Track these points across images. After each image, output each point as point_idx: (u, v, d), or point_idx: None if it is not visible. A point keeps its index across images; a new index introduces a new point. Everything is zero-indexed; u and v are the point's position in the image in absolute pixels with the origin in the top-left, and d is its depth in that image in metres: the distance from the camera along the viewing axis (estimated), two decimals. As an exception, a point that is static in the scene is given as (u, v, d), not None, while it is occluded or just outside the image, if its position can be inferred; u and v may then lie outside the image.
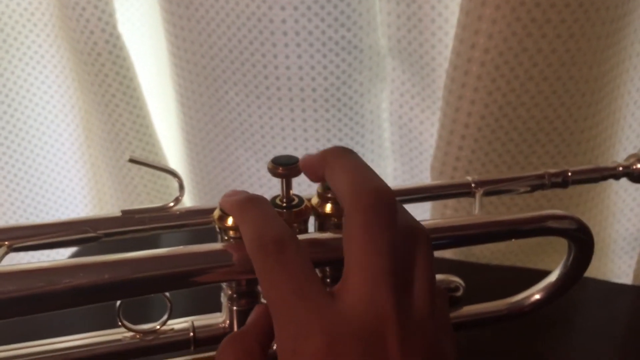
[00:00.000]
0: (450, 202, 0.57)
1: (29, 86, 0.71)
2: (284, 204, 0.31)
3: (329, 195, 0.32)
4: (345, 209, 0.25)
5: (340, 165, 0.27)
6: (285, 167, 0.30)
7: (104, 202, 0.77)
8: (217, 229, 0.32)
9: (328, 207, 0.31)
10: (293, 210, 0.31)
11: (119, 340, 0.33)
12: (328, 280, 0.33)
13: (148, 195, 0.72)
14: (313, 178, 0.29)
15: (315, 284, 0.24)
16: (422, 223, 0.33)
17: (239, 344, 0.26)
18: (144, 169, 0.69)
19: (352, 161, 0.27)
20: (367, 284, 0.23)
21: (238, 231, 0.31)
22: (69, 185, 0.77)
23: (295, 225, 0.31)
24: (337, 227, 0.32)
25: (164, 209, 0.34)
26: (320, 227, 0.32)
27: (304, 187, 0.36)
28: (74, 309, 0.28)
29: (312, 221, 0.33)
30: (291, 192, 0.31)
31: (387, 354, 0.22)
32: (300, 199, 0.32)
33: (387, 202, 0.25)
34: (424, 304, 0.24)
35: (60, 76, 0.72)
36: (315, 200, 0.32)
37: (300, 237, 0.30)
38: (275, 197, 0.32)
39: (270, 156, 0.65)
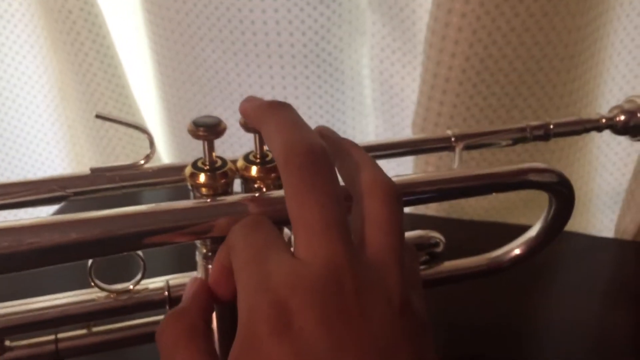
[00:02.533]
0: (432, 158, 0.56)
1: (0, 46, 0.69)
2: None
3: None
4: (280, 169, 0.25)
5: (274, 123, 0.26)
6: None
7: (82, 164, 0.76)
8: (190, 187, 0.31)
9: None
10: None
11: (93, 300, 0.33)
12: None
13: (127, 156, 0.71)
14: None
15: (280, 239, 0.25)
16: (400, 178, 0.32)
17: (181, 322, 0.25)
18: (122, 128, 0.68)
19: (286, 118, 0.26)
20: (314, 239, 0.23)
21: (210, 188, 0.30)
22: (45, 148, 0.76)
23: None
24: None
25: (134, 166, 0.33)
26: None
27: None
28: (49, 270, 0.27)
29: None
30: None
31: (345, 303, 0.22)
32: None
33: (320, 158, 0.25)
34: (383, 253, 0.24)
35: (32, 35, 0.70)
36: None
37: (262, 195, 0.29)
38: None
39: (250, 115, 0.64)
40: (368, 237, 0.25)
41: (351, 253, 0.23)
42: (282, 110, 0.27)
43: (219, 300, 0.27)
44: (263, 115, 0.27)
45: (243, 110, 0.29)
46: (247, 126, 0.30)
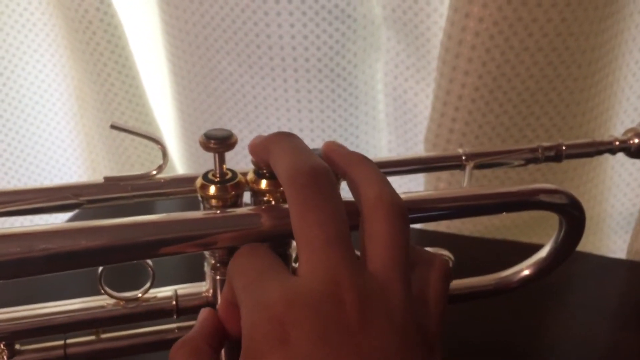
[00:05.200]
0: (444, 174, 0.56)
1: (22, 54, 0.71)
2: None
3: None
4: (285, 191, 0.26)
5: (279, 150, 0.27)
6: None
7: (98, 171, 0.77)
8: (200, 198, 0.31)
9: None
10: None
11: (102, 307, 0.33)
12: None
13: (142, 164, 0.72)
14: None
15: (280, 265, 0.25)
16: (408, 195, 0.33)
17: (189, 347, 0.26)
18: (137, 137, 0.69)
19: (289, 144, 0.28)
20: (315, 255, 0.24)
21: (220, 200, 0.31)
22: (63, 155, 0.77)
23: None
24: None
25: (147, 176, 0.34)
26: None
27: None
28: (59, 276, 0.28)
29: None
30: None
31: (345, 317, 0.22)
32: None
33: (323, 178, 0.25)
34: (385, 269, 0.24)
35: (52, 44, 0.71)
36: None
37: (270, 208, 0.30)
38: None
39: (264, 127, 0.64)
40: (371, 253, 0.25)
41: (352, 268, 0.24)
42: (285, 138, 0.28)
43: (230, 335, 0.28)
44: (269, 146, 0.28)
45: (251, 148, 0.30)
46: (257, 162, 0.30)
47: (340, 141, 0.62)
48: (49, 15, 0.69)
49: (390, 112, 0.64)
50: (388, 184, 0.27)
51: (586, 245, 0.59)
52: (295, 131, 0.62)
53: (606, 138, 0.39)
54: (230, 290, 0.27)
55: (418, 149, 0.63)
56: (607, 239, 0.65)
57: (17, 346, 0.33)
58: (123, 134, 0.69)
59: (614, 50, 0.52)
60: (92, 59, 0.65)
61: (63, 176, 0.78)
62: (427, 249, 0.40)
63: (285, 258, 0.32)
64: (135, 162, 0.71)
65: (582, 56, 0.49)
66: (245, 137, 0.65)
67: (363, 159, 0.28)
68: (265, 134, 0.30)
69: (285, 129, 0.62)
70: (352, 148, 0.30)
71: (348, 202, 0.28)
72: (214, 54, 0.61)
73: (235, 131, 0.65)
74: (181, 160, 0.74)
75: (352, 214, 0.26)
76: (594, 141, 0.39)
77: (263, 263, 0.26)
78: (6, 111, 0.73)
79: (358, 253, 0.26)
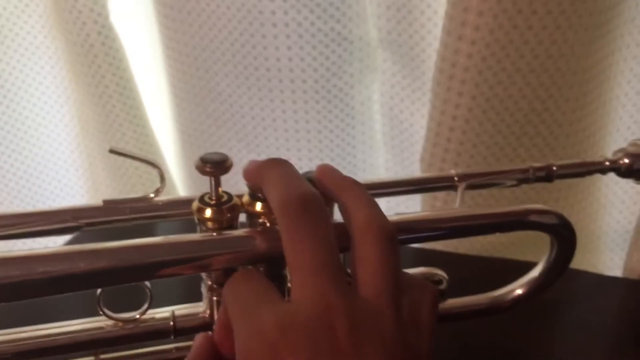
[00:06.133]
0: (440, 194, 0.57)
1: (25, 77, 0.72)
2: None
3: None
4: (277, 219, 0.26)
5: (271, 178, 0.28)
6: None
7: (99, 192, 0.78)
8: (196, 220, 0.32)
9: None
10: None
11: (101, 328, 0.33)
12: None
13: (143, 185, 0.72)
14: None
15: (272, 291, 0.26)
16: (399, 217, 0.33)
17: None
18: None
19: (280, 172, 0.28)
20: (306, 282, 0.24)
21: (216, 222, 0.31)
22: (65, 176, 0.78)
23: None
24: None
25: (145, 199, 0.35)
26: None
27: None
28: (58, 298, 0.28)
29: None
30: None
31: (337, 342, 0.23)
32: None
33: (312, 205, 0.26)
34: (376, 293, 0.25)
35: (55, 67, 0.72)
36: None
37: (265, 230, 0.30)
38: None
39: (262, 147, 0.65)
40: (360, 277, 0.25)
41: (342, 293, 0.24)
42: (277, 166, 0.29)
43: (225, 357, 0.28)
44: (262, 173, 0.29)
45: (245, 174, 0.30)
46: (252, 188, 0.31)
47: (338, 161, 0.63)
48: (52, 38, 0.70)
49: (386, 131, 0.65)
50: (377, 208, 0.27)
51: (582, 262, 0.59)
52: (293, 151, 0.63)
53: (597, 158, 0.39)
54: (226, 314, 0.27)
55: (414, 168, 0.64)
56: (604, 257, 0.65)
57: (18, 368, 0.33)
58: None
59: (605, 71, 0.53)
60: (93, 82, 0.66)
61: (65, 196, 0.79)
62: (421, 268, 0.40)
63: (280, 279, 0.33)
64: (136, 182, 0.72)
65: (573, 77, 0.50)
66: (244, 157, 0.66)
67: (354, 183, 0.29)
68: (263, 155, 0.30)
69: (283, 149, 0.63)
70: (349, 167, 0.31)
71: (339, 225, 0.28)
72: (213, 75, 0.62)
73: (234, 151, 0.66)
74: (183, 180, 0.75)
75: (343, 235, 0.27)
76: (584, 161, 0.39)
77: (257, 289, 0.26)
78: (9, 132, 0.74)
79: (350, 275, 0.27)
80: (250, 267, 0.29)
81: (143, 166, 0.71)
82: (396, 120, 0.63)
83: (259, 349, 0.23)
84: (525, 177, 0.39)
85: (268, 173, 0.28)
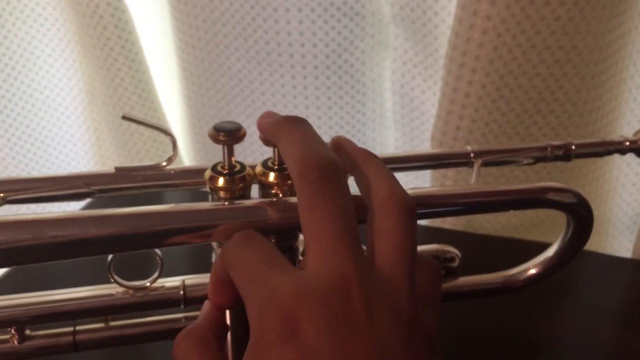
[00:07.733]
0: (450, 172, 0.57)
1: (33, 49, 0.71)
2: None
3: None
4: (294, 183, 0.26)
5: (290, 137, 0.27)
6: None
7: (107, 164, 0.78)
8: (209, 189, 0.32)
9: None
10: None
11: (111, 295, 0.33)
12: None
13: (150, 158, 0.72)
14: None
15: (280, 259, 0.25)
16: (415, 190, 0.33)
17: (193, 336, 0.27)
18: (147, 131, 0.69)
19: (301, 133, 0.27)
20: (324, 250, 0.24)
21: (228, 192, 0.31)
22: (72, 149, 0.78)
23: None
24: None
25: (157, 167, 0.34)
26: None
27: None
28: (69, 263, 0.28)
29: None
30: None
31: (353, 312, 0.23)
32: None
33: (333, 172, 0.25)
34: (392, 265, 0.25)
35: (64, 39, 0.72)
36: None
37: (278, 200, 0.30)
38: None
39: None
40: (378, 249, 0.25)
41: (359, 264, 0.24)
42: (297, 125, 0.28)
43: (222, 307, 0.28)
44: (279, 130, 0.28)
45: (260, 125, 0.30)
46: (265, 140, 0.30)
47: (347, 137, 0.62)
48: (60, 10, 0.70)
49: (397, 109, 0.65)
50: (397, 182, 0.27)
51: (591, 244, 0.59)
52: (302, 127, 0.63)
53: (616, 138, 0.39)
54: (223, 270, 0.27)
55: (425, 146, 0.64)
56: (613, 239, 0.65)
57: (28, 331, 0.33)
58: (132, 127, 0.69)
59: (621, 50, 0.52)
60: (102, 54, 0.66)
61: (73, 168, 0.79)
62: (434, 245, 0.40)
63: (292, 251, 0.32)
64: (143, 156, 0.72)
65: (589, 55, 0.50)
66: (253, 133, 0.66)
67: (371, 155, 0.28)
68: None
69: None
70: (359, 144, 0.30)
71: (354, 197, 0.28)
72: (223, 49, 0.62)
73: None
74: (189, 155, 0.75)
75: (358, 209, 0.27)
76: (603, 141, 0.39)
77: (263, 253, 0.25)
78: (17, 105, 0.73)
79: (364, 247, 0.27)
80: (250, 229, 0.28)
81: (150, 139, 0.71)
82: (407, 98, 0.63)
83: (273, 316, 0.23)
84: (543, 155, 0.38)
85: (285, 133, 0.28)
